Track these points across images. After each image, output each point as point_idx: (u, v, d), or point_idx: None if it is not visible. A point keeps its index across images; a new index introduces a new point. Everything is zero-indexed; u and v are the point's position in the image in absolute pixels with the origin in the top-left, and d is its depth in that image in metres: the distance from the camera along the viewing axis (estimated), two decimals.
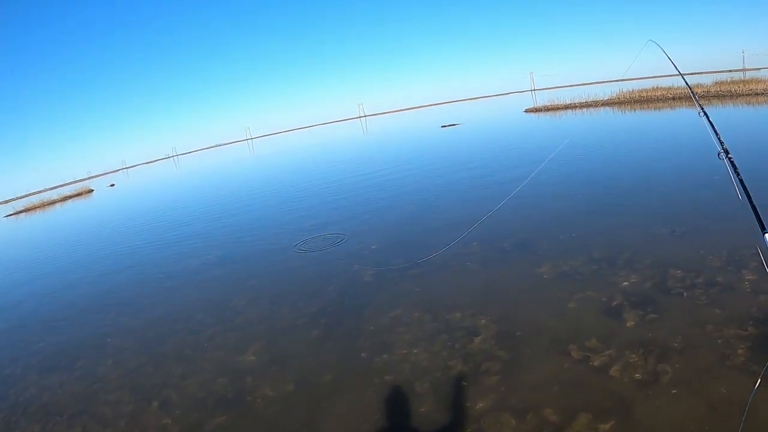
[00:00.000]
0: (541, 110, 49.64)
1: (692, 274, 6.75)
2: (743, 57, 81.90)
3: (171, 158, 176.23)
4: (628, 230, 9.17)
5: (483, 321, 6.48)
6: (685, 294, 6.25)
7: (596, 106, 43.93)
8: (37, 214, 47.68)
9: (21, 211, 53.35)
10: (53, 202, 57.73)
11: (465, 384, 5.23)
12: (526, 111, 51.57)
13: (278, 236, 13.79)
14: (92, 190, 67.62)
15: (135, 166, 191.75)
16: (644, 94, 41.16)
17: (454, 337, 6.26)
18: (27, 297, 13.28)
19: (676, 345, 5.13)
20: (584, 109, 43.43)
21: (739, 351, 4.81)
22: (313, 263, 10.59)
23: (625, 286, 6.74)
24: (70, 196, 62.19)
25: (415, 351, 6.11)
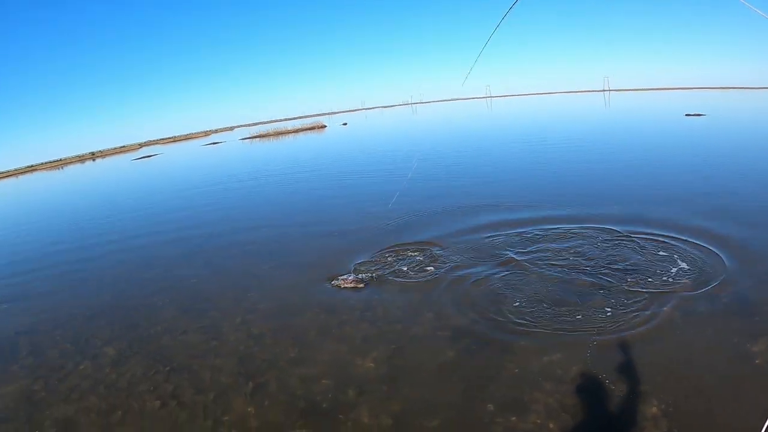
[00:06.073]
0: None
1: None
2: None
3: (409, 105, 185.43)
4: None
5: (654, 408, 4.78)
6: None
7: None
8: (270, 142, 53.85)
9: (255, 137, 60.79)
10: (286, 133, 64.51)
11: None
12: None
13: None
14: (325, 126, 73.95)
15: (373, 108, 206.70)
16: None
17: (619, 418, 4.70)
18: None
19: None
20: None
21: None
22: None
23: None
24: (303, 130, 68.93)
25: (551, 426, 4.74)
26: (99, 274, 12.04)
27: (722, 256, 8.12)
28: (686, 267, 7.86)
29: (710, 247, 8.52)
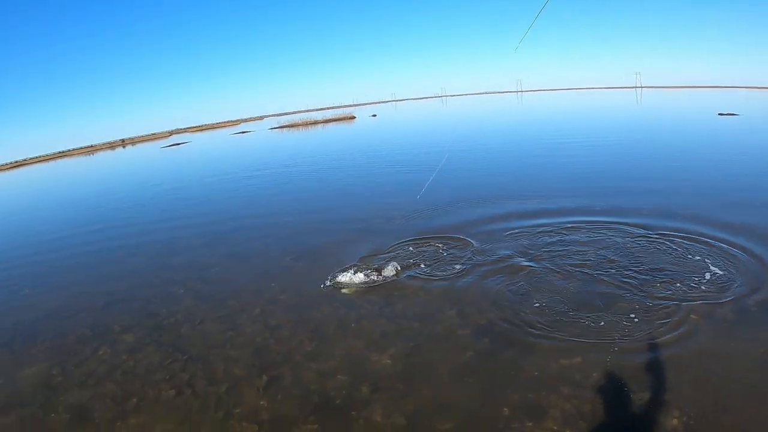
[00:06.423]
0: None
1: None
2: None
3: (439, 98, 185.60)
4: None
5: (675, 420, 4.64)
6: None
7: None
8: (299, 132, 54.15)
9: (285, 126, 61.23)
10: (315, 123, 64.78)
11: None
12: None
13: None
14: (354, 117, 74.05)
15: (403, 100, 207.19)
16: None
17: (638, 429, 4.61)
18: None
19: None
20: None
21: None
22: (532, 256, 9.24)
23: None
24: (332, 120, 69.17)
25: None
26: (122, 260, 12.25)
27: (762, 262, 7.90)
28: (719, 272, 7.62)
29: (750, 251, 8.27)
